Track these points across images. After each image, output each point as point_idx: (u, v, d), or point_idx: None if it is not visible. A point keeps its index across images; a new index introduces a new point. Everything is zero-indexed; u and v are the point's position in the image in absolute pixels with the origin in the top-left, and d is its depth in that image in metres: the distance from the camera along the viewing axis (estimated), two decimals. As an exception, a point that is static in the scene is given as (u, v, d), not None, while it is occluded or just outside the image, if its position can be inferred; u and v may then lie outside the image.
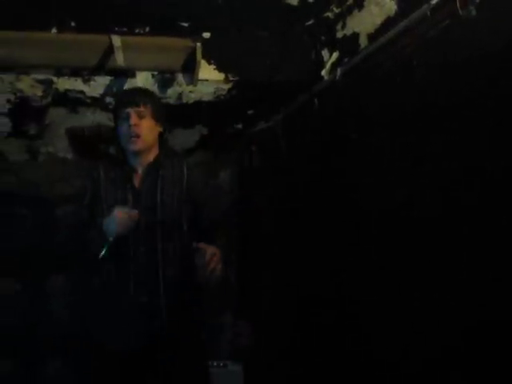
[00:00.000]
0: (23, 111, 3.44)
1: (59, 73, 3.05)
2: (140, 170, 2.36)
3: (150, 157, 2.38)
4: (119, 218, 2.13)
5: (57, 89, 3.17)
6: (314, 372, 3.04)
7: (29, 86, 3.14)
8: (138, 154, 2.33)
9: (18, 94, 3.23)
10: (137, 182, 2.34)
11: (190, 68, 2.97)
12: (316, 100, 3.11)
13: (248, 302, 3.99)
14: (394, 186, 2.35)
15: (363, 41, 2.72)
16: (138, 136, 2.28)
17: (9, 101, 3.31)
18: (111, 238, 2.14)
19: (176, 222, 2.25)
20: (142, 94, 2.45)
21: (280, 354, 3.49)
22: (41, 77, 3.07)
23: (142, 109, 2.32)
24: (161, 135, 2.46)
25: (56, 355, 3.71)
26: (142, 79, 3.06)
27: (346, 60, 2.88)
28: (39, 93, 3.21)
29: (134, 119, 2.29)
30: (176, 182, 2.34)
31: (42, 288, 3.82)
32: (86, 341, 2.34)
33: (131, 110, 2.31)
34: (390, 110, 2.43)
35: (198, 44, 2.82)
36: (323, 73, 3.05)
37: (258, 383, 3.57)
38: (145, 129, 2.31)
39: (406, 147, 2.27)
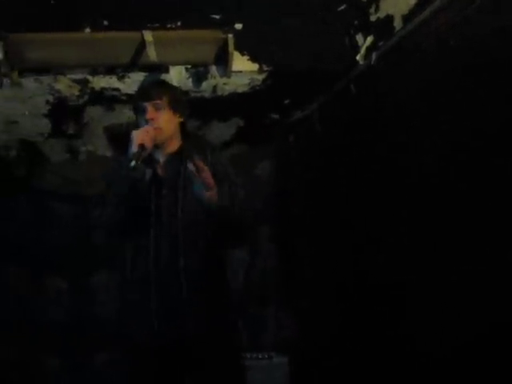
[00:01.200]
0: (62, 111, 3.49)
1: (94, 72, 3.08)
2: (161, 161, 2.36)
3: (172, 147, 2.38)
4: (137, 133, 2.17)
5: (93, 88, 3.21)
6: (359, 363, 3.00)
7: (66, 86, 3.19)
8: (158, 146, 2.33)
9: (56, 95, 3.29)
10: (160, 171, 2.34)
11: (223, 60, 2.95)
12: (352, 86, 3.07)
13: (292, 294, 3.97)
14: (436, 171, 2.30)
15: (398, 23, 2.66)
16: (156, 129, 2.27)
17: (47, 102, 3.37)
18: (134, 149, 2.14)
19: (198, 211, 2.23)
20: (157, 86, 2.46)
21: (325, 345, 3.47)
22: (77, 76, 3.11)
23: (157, 101, 2.32)
24: (182, 125, 2.45)
25: (102, 351, 3.76)
26: (176, 74, 3.06)
27: (381, 43, 2.82)
28: (76, 92, 3.26)
29: (150, 113, 2.30)
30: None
31: (86, 285, 3.88)
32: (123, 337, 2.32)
33: (147, 104, 2.32)
34: (428, 93, 2.37)
35: (230, 35, 2.80)
36: (358, 58, 3.00)
37: (303, 375, 3.56)
38: (163, 121, 2.31)
39: (447, 130, 2.21)
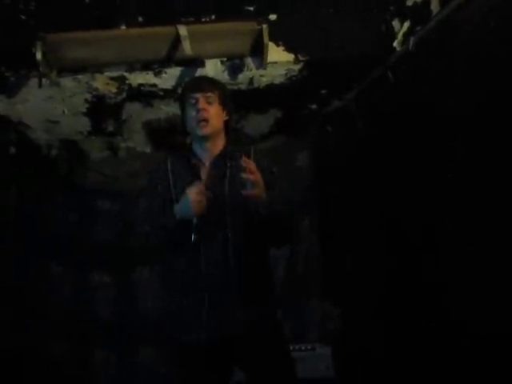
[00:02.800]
0: (100, 109, 3.54)
1: (131, 68, 3.10)
2: (207, 163, 2.33)
3: (217, 146, 2.34)
4: (192, 196, 2.09)
5: (130, 84, 3.24)
6: (403, 353, 2.97)
7: (104, 83, 3.22)
8: (205, 139, 2.30)
9: (94, 93, 3.33)
10: (204, 174, 2.31)
11: (258, 51, 2.94)
12: (390, 73, 3.01)
13: (335, 285, 3.95)
14: (477, 158, 2.25)
15: (435, 6, 2.61)
16: (206, 120, 2.24)
17: (86, 100, 3.41)
18: (195, 220, 2.11)
19: (244, 213, 2.21)
20: (209, 81, 2.44)
21: (368, 336, 3.44)
22: (114, 74, 3.14)
23: (209, 94, 2.29)
24: (226, 123, 2.42)
25: (146, 345, 3.81)
26: (212, 67, 3.06)
27: (418, 28, 2.77)
28: (114, 90, 3.29)
29: (202, 103, 2.27)
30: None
31: (131, 280, 3.94)
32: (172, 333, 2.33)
33: (199, 95, 2.28)
34: (469, 77, 2.31)
35: (265, 26, 2.79)
36: (395, 44, 2.95)
37: (346, 366, 3.54)
38: (213, 114, 2.28)
39: (489, 115, 2.15)
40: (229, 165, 2.28)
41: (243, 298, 2.19)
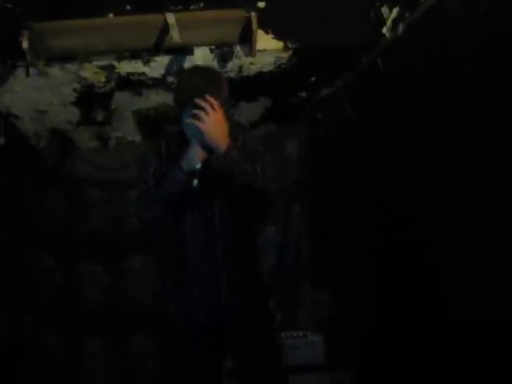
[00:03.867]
0: (89, 99, 3.51)
1: (120, 57, 3.08)
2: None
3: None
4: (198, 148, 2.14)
5: (119, 73, 3.22)
6: (395, 341, 2.98)
7: (92, 73, 3.20)
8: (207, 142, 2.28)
9: (83, 82, 3.31)
10: None
11: (247, 39, 2.92)
12: (379, 60, 3.01)
13: (326, 273, 3.96)
14: (466, 144, 2.25)
15: (424, -8, 2.60)
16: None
17: (75, 90, 3.39)
18: (198, 166, 2.14)
19: (231, 192, 2.21)
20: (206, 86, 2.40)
21: (360, 323, 3.45)
22: (103, 63, 3.12)
23: (208, 100, 2.19)
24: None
25: (138, 332, 3.82)
26: (201, 55, 3.05)
27: (407, 15, 2.76)
28: (103, 79, 3.28)
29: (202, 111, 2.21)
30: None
31: (121, 269, 3.93)
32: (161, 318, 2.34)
33: (199, 103, 2.18)
34: (459, 63, 2.31)
35: (253, 14, 2.77)
36: (384, 31, 2.94)
37: (338, 353, 3.55)
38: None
39: (479, 102, 2.15)
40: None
41: (232, 285, 2.20)
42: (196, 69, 2.57)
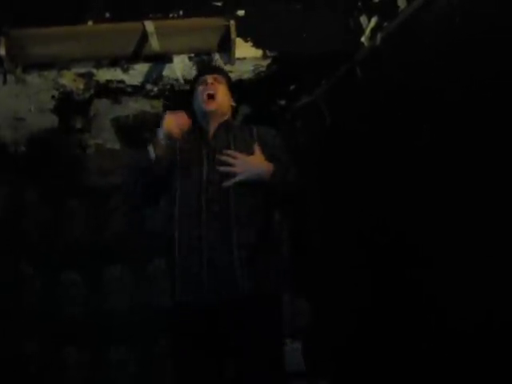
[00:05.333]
0: (68, 106, 3.50)
1: (99, 64, 3.08)
2: (212, 131, 2.40)
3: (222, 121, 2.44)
4: (167, 117, 2.25)
5: (98, 81, 3.22)
6: (374, 349, 2.99)
7: (71, 80, 3.19)
8: (210, 115, 2.38)
9: (61, 90, 3.29)
10: (210, 139, 2.38)
11: (226, 47, 2.94)
12: (358, 68, 3.04)
13: (305, 281, 3.96)
14: (441, 150, 2.28)
15: (402, 2, 2.64)
16: (213, 96, 2.36)
17: (53, 97, 3.37)
18: (162, 140, 2.23)
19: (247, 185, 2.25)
20: (218, 67, 2.72)
21: (338, 331, 3.46)
22: (81, 70, 3.12)
23: (217, 75, 2.44)
24: (233, 109, 2.53)
25: (117, 342, 3.79)
26: (180, 63, 3.05)
27: (385, 24, 2.79)
28: (81, 86, 3.26)
29: (210, 79, 2.39)
30: (247, 141, 2.34)
31: (100, 278, 3.90)
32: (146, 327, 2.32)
33: (209, 75, 2.42)
34: (435, 72, 2.34)
35: (232, 22, 2.79)
36: (363, 39, 2.97)
37: (316, 361, 3.55)
38: (220, 91, 2.39)
39: (454, 109, 2.18)
40: (232, 133, 2.37)
41: (243, 262, 2.18)
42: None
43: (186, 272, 2.22)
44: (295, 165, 2.35)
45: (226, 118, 2.45)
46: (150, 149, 2.24)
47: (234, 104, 2.51)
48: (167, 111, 2.30)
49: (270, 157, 2.28)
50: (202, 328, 2.20)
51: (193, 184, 2.27)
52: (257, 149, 2.25)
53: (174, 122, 2.23)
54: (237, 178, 2.19)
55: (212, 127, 2.41)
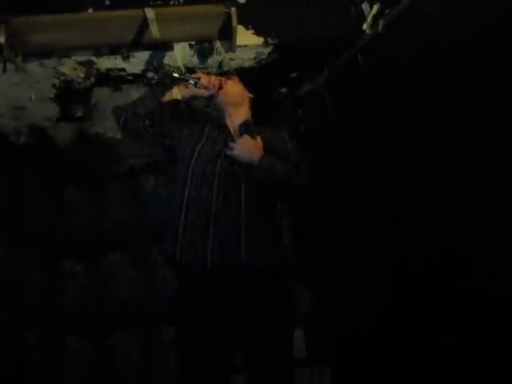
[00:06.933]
0: (69, 95, 3.48)
1: (99, 52, 3.06)
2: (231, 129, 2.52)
3: (239, 116, 2.57)
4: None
5: (98, 69, 3.20)
6: (375, 335, 3.00)
7: (71, 68, 3.18)
8: (223, 106, 2.51)
9: (62, 78, 3.28)
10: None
11: (227, 35, 2.92)
12: (360, 56, 3.02)
13: (307, 269, 3.96)
14: (446, 136, 2.27)
15: (404, -12, 2.61)
16: (221, 87, 2.51)
17: (54, 86, 3.36)
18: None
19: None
20: None
21: (340, 319, 3.46)
22: (82, 58, 3.10)
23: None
24: (252, 102, 2.65)
25: (119, 329, 3.80)
26: (180, 51, 3.03)
27: (387, 11, 2.77)
28: (82, 75, 3.25)
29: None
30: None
31: (100, 266, 3.91)
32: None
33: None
34: (438, 59, 2.33)
35: (233, 9, 2.76)
36: (365, 27, 2.95)
37: (319, 349, 3.56)
38: (229, 82, 2.56)
39: (458, 95, 2.17)
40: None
41: (250, 233, 2.27)
42: None
43: (190, 233, 2.24)
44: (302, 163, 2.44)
45: (243, 117, 2.58)
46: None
47: (251, 96, 2.66)
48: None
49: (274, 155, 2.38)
50: (205, 290, 2.23)
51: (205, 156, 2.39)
52: (258, 138, 2.28)
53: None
54: (228, 152, 2.32)
55: (231, 117, 2.55)
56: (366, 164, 3.08)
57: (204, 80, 2.51)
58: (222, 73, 3.33)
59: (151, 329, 3.75)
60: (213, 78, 2.53)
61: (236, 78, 2.59)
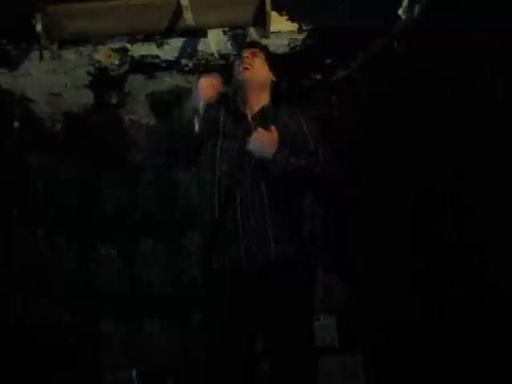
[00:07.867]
0: (103, 82, 3.52)
1: (133, 39, 3.08)
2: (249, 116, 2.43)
3: (259, 101, 2.44)
4: (203, 82, 2.29)
5: (132, 56, 3.23)
6: (407, 322, 2.98)
7: (106, 56, 3.21)
8: (246, 86, 2.40)
9: (97, 65, 3.31)
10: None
11: (261, 21, 2.91)
12: (395, 41, 2.98)
13: (338, 256, 3.95)
14: (486, 119, 2.23)
15: (440, -27, 2.56)
16: (247, 67, 2.38)
17: (89, 73, 3.40)
18: (201, 104, 2.25)
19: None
20: (255, 42, 2.74)
21: (373, 305, 3.45)
22: (116, 46, 3.14)
23: (255, 49, 2.47)
24: (274, 85, 2.53)
25: (152, 315, 3.84)
26: (214, 37, 3.03)
27: (423, -4, 2.73)
28: (116, 62, 3.28)
29: (246, 53, 2.43)
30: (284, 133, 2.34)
31: (134, 251, 3.95)
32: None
33: (246, 50, 2.46)
34: (472, 44, 2.28)
35: (267, -5, 2.75)
36: (400, 12, 2.90)
37: (351, 335, 3.55)
38: (256, 62, 2.42)
39: (493, 81, 2.13)
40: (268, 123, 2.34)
41: (276, 230, 2.25)
42: None
43: (222, 237, 2.27)
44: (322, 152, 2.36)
45: (263, 101, 2.46)
46: (195, 122, 2.25)
47: (274, 79, 2.51)
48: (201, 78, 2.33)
49: (291, 143, 2.33)
50: (235, 294, 2.24)
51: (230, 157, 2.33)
52: (273, 129, 2.24)
53: (210, 84, 2.27)
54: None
55: (248, 110, 2.43)
56: (399, 151, 3.05)
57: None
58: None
59: (184, 314, 3.78)
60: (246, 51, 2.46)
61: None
